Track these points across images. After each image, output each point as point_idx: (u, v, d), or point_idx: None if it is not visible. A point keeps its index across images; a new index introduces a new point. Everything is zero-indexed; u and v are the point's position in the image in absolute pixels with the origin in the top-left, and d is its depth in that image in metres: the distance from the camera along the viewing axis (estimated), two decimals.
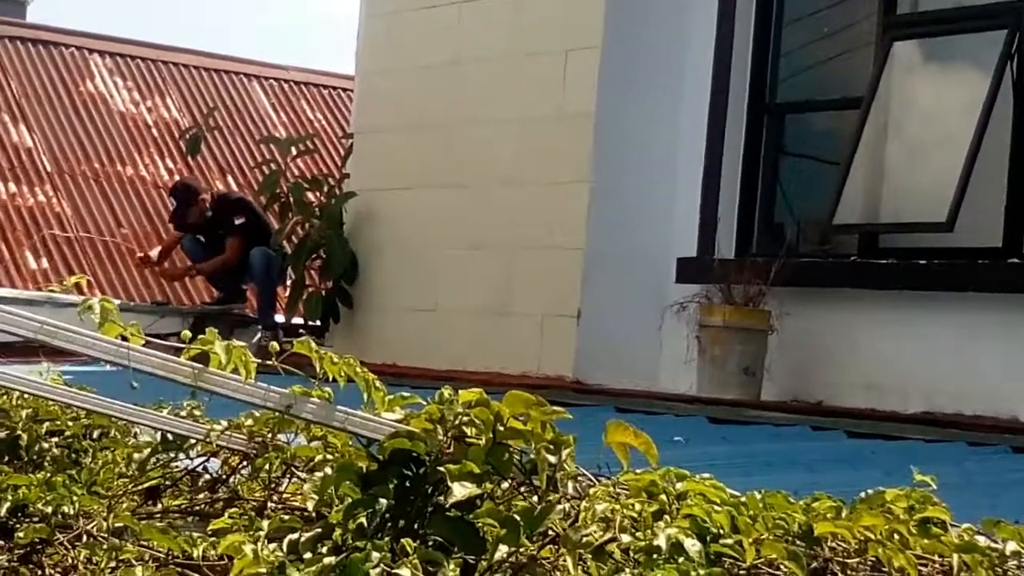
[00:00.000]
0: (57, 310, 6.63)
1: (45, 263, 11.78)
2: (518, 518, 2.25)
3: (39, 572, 2.75)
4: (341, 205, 8.65)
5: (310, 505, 2.62)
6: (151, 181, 12.98)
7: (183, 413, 3.09)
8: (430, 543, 2.26)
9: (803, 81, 7.50)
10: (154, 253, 10.80)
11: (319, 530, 2.31)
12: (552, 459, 2.38)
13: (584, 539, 2.25)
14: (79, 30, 13.85)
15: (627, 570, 2.19)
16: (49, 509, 2.81)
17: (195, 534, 2.71)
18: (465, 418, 2.41)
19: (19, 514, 2.86)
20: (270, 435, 3.00)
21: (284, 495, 2.95)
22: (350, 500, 2.31)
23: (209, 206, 10.08)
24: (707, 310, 6.70)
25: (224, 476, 3.11)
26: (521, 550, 2.27)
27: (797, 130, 7.57)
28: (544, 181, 7.52)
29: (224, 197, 10.48)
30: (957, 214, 6.17)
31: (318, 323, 8.73)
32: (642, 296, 7.21)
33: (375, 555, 2.15)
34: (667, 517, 2.29)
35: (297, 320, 9.18)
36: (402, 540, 2.20)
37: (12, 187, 12.26)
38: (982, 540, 2.43)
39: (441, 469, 2.31)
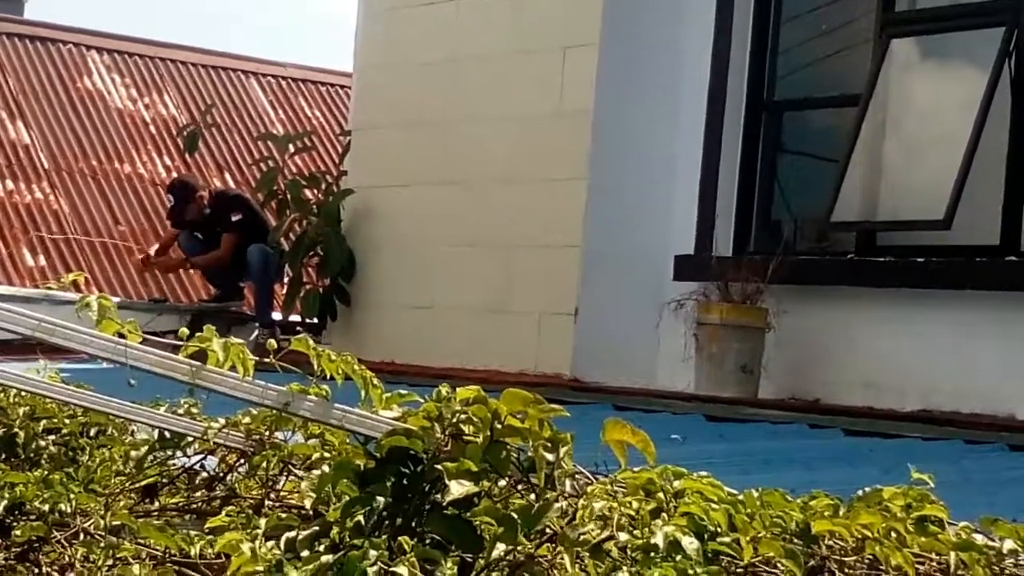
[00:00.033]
0: (54, 307, 6.63)
1: (42, 260, 11.77)
2: (516, 516, 2.25)
3: (36, 570, 2.74)
4: (339, 202, 8.65)
5: (307, 503, 2.62)
6: (149, 178, 12.97)
7: (180, 411, 3.09)
8: (428, 541, 2.26)
9: (801, 79, 7.50)
10: (152, 251, 10.81)
11: (316, 528, 2.30)
12: (550, 457, 2.38)
13: (582, 537, 2.25)
14: (76, 27, 13.83)
15: (625, 568, 2.19)
16: (46, 507, 2.81)
17: (192, 532, 2.71)
18: (463, 416, 2.40)
19: (16, 512, 2.86)
20: (267, 433, 3.01)
21: (281, 493, 2.96)
22: (347, 498, 2.31)
23: (207, 203, 10.09)
24: (705, 308, 6.70)
25: (221, 474, 3.11)
26: (519, 548, 2.27)
27: (795, 128, 7.57)
28: (542, 179, 7.52)
29: (222, 194, 10.49)
30: (955, 212, 6.17)
31: (315, 320, 8.73)
32: (640, 294, 7.21)
33: (372, 553, 2.15)
34: (665, 515, 2.29)
35: (294, 317, 9.18)
36: (400, 538, 2.20)
37: (9, 184, 12.24)
38: (979, 538, 2.43)
39: (439, 467, 2.30)
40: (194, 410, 3.08)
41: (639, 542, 2.21)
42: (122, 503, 2.97)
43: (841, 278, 6.68)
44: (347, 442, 2.77)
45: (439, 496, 2.29)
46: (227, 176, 13.23)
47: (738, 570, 2.27)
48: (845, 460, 4.83)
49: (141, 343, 2.54)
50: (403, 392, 2.62)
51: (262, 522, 2.43)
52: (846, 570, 2.35)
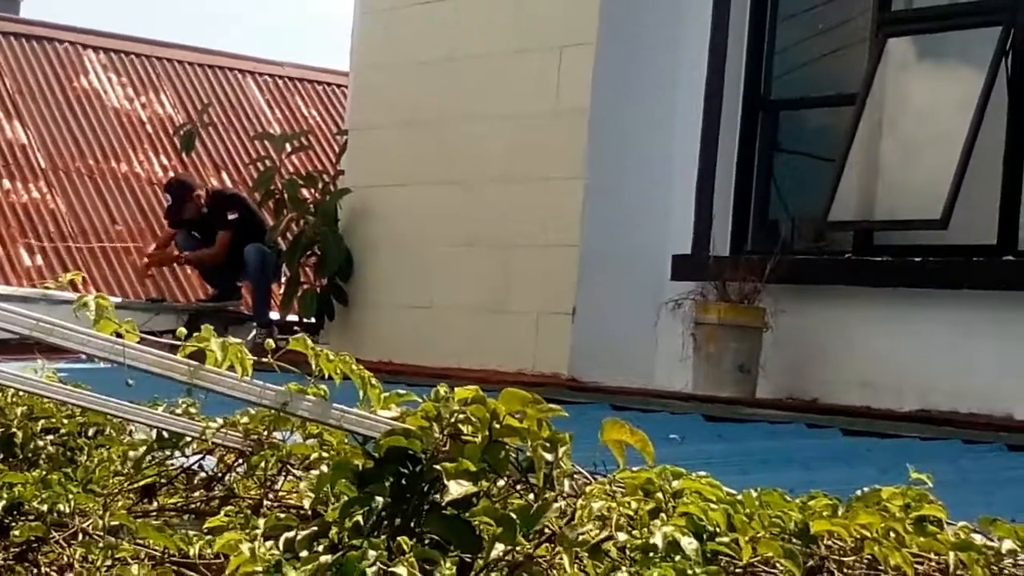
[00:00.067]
0: (52, 307, 6.62)
1: (39, 260, 11.76)
2: (514, 516, 2.25)
3: (35, 570, 2.74)
4: (336, 202, 8.65)
5: (306, 503, 2.62)
6: (146, 177, 12.96)
7: (178, 410, 3.08)
8: (426, 541, 2.25)
9: (798, 78, 7.50)
10: (150, 250, 10.81)
11: (315, 528, 2.30)
12: (548, 457, 2.38)
13: (581, 537, 2.25)
14: (73, 26, 13.83)
15: (624, 568, 2.19)
16: (45, 507, 2.81)
17: (191, 532, 2.71)
18: (461, 416, 2.40)
19: (14, 512, 2.86)
20: (266, 433, 3.00)
21: (280, 493, 2.95)
22: (346, 498, 2.30)
23: (204, 202, 10.08)
24: (702, 307, 6.70)
25: (220, 474, 3.10)
26: (517, 548, 2.27)
27: (792, 127, 7.58)
28: (539, 178, 7.52)
29: (219, 193, 10.49)
30: (952, 211, 6.18)
31: (313, 320, 8.72)
32: (637, 293, 7.21)
33: (371, 553, 2.15)
34: (663, 515, 2.29)
35: (292, 317, 9.17)
36: (398, 538, 2.20)
37: (6, 184, 12.24)
38: (978, 538, 2.43)
39: (437, 467, 2.30)
40: (192, 410, 3.08)
41: (638, 542, 2.20)
42: (120, 503, 2.97)
43: (838, 278, 6.68)
44: (345, 442, 2.77)
45: (438, 496, 2.29)
46: (224, 175, 13.23)
47: (737, 570, 2.27)
48: (843, 460, 4.83)
49: (139, 343, 2.54)
50: (401, 392, 2.62)
51: (261, 522, 2.43)
52: (845, 570, 2.35)
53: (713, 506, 2.28)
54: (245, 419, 3.03)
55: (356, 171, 8.65)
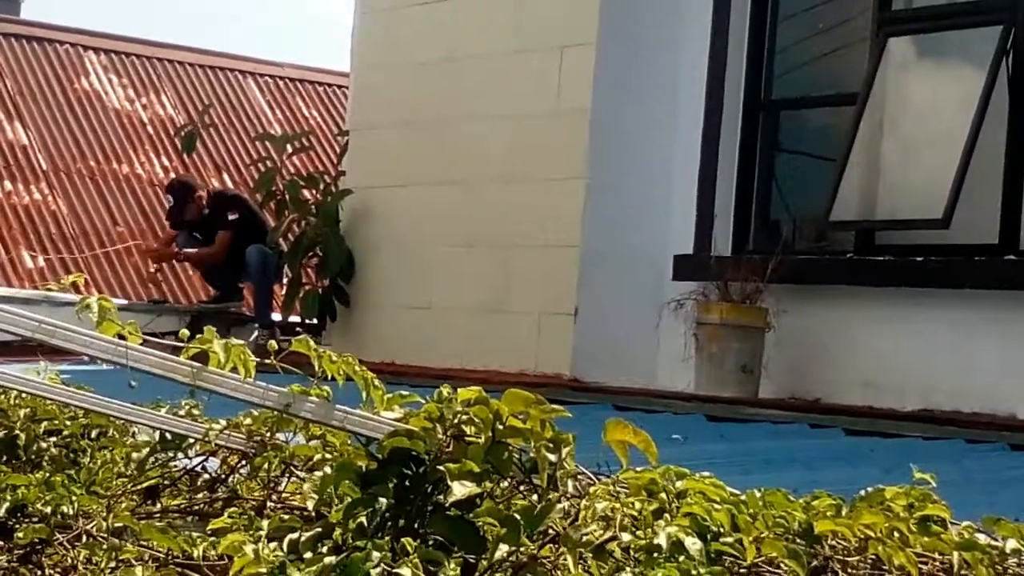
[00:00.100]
0: (54, 309, 6.63)
1: (41, 261, 11.76)
2: (518, 517, 2.25)
3: (39, 572, 2.74)
4: (337, 202, 8.64)
5: (310, 504, 2.62)
6: (147, 179, 12.97)
7: (181, 412, 3.08)
8: (430, 542, 2.25)
9: (798, 77, 7.50)
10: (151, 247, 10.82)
11: (319, 529, 2.30)
12: (552, 458, 2.38)
13: (584, 538, 2.24)
14: (73, 27, 13.84)
15: (628, 569, 2.19)
16: (48, 509, 2.81)
17: (195, 534, 2.71)
18: (464, 416, 2.40)
19: (18, 514, 2.86)
20: (269, 434, 3.00)
21: (283, 494, 2.95)
22: (350, 499, 2.30)
23: (205, 203, 10.09)
24: (704, 307, 6.70)
25: (223, 475, 3.10)
26: (521, 549, 2.27)
27: (793, 127, 7.58)
28: (540, 178, 7.52)
29: (220, 194, 10.49)
30: (953, 211, 6.18)
31: (315, 321, 8.72)
32: (639, 293, 7.21)
33: (375, 554, 2.15)
34: (667, 516, 2.29)
35: (294, 318, 9.17)
36: (402, 539, 2.20)
37: (8, 185, 12.24)
38: (982, 538, 2.43)
39: (441, 468, 2.30)
40: (195, 411, 3.08)
41: (642, 543, 2.20)
42: (124, 505, 2.97)
43: (840, 277, 6.68)
44: (349, 443, 2.77)
45: (441, 497, 2.29)
46: (225, 176, 13.23)
47: (741, 570, 2.27)
48: (846, 460, 4.83)
49: (142, 344, 2.54)
50: (404, 393, 2.62)
51: (264, 523, 2.43)
52: (849, 570, 2.35)
53: (717, 506, 2.28)
54: (248, 421, 3.03)
55: (357, 172, 8.65)
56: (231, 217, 9.92)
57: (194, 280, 11.64)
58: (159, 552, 2.70)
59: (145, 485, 3.09)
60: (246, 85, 14.32)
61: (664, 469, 2.40)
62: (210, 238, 10.09)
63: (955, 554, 2.35)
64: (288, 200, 8.95)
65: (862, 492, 2.46)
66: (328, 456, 2.87)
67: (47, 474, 3.02)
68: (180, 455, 3.12)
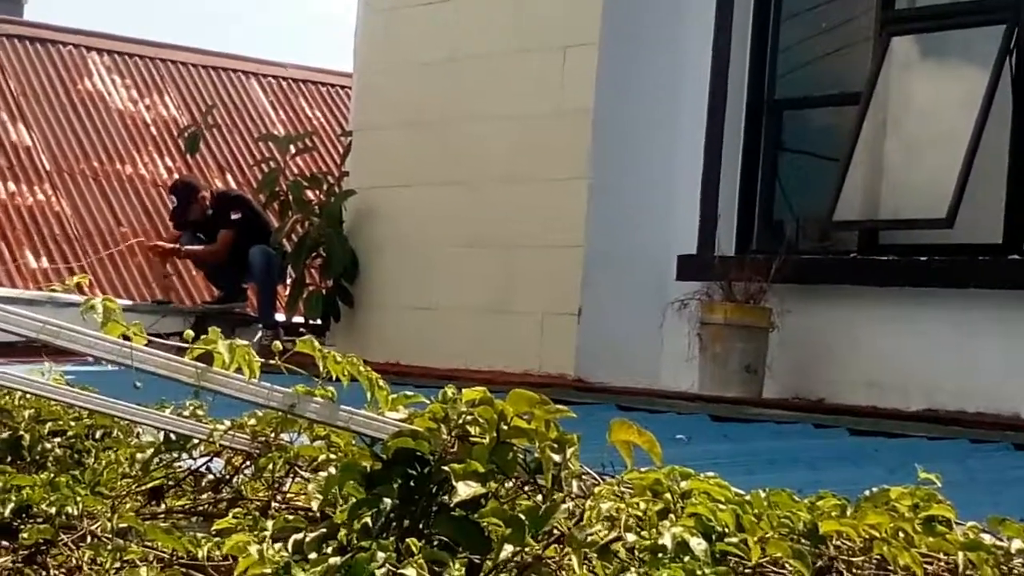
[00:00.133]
0: (59, 310, 6.63)
1: (45, 262, 11.77)
2: (523, 517, 2.25)
3: (44, 573, 2.74)
4: (340, 203, 8.65)
5: (314, 505, 2.62)
6: (150, 179, 12.98)
7: (186, 413, 3.09)
8: (435, 543, 2.26)
9: (801, 77, 7.50)
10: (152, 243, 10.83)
11: (324, 530, 2.30)
12: (557, 458, 2.38)
13: (589, 538, 2.24)
14: (77, 28, 13.85)
15: (633, 569, 2.19)
16: (53, 510, 2.81)
17: (199, 534, 2.71)
18: (469, 417, 2.40)
19: (23, 515, 2.86)
20: (273, 435, 3.00)
21: (288, 495, 2.95)
22: (355, 500, 2.31)
23: (209, 204, 10.09)
24: (708, 307, 6.70)
25: (227, 476, 3.10)
26: (526, 549, 2.27)
27: (796, 126, 7.57)
28: (543, 178, 7.52)
29: (224, 195, 10.49)
30: (957, 210, 6.17)
31: (319, 322, 8.72)
32: (643, 294, 7.21)
33: (380, 555, 2.15)
34: (672, 516, 2.29)
35: (297, 319, 9.17)
36: (407, 540, 2.20)
37: (11, 186, 12.25)
38: (987, 538, 2.42)
39: (445, 468, 2.30)
40: (199, 412, 3.08)
41: (647, 543, 2.20)
42: (128, 505, 2.97)
43: (844, 277, 6.68)
44: (353, 444, 2.77)
45: (446, 497, 2.29)
46: (228, 177, 13.24)
47: (746, 571, 2.27)
48: (850, 460, 4.83)
49: (146, 345, 2.54)
50: (409, 394, 2.62)
51: (269, 524, 2.43)
52: (854, 570, 2.34)
53: (722, 507, 2.28)
54: (253, 421, 3.03)
55: (360, 172, 8.65)
56: (234, 217, 9.92)
57: (198, 281, 11.64)
58: (164, 553, 2.70)
59: (150, 486, 3.09)
60: (249, 86, 14.32)
61: (669, 469, 2.40)
62: (213, 239, 10.08)
63: (960, 554, 2.35)
64: (291, 201, 8.95)
65: (867, 492, 2.46)
66: (333, 456, 2.87)
67: (51, 475, 3.02)
68: (184, 456, 3.13)
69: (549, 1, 7.68)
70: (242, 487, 3.04)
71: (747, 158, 7.27)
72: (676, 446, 4.61)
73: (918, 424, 5.81)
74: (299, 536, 2.30)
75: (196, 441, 3.08)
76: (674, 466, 2.41)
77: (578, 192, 7.33)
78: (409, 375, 7.07)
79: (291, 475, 3.00)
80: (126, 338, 2.52)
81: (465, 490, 2.26)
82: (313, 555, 2.24)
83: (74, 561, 2.73)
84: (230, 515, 2.67)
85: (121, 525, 2.77)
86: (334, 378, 2.63)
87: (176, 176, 12.05)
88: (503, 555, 2.23)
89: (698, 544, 2.18)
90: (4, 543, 2.83)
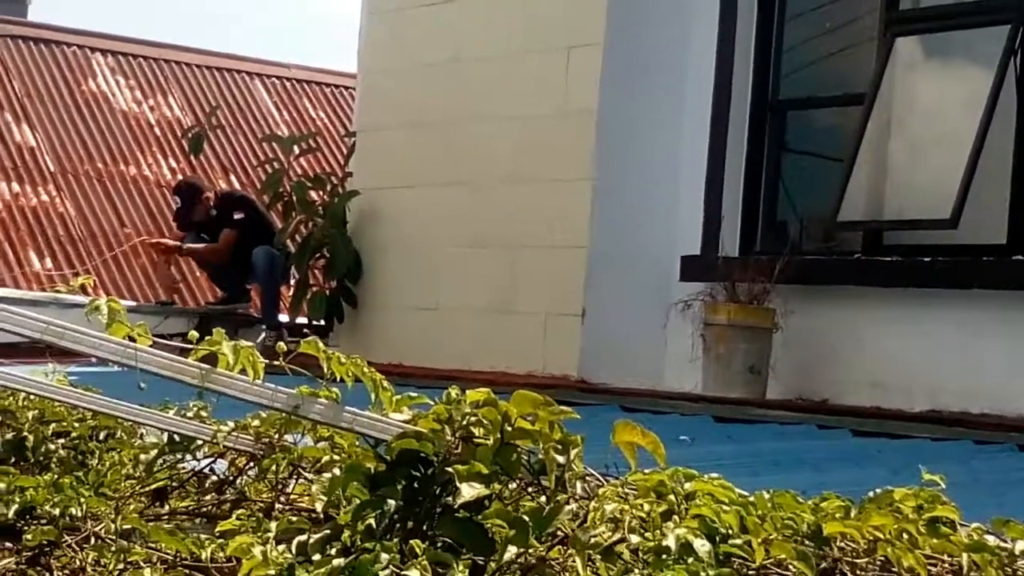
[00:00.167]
0: (63, 310, 6.63)
1: (49, 263, 11.78)
2: (527, 519, 2.25)
3: (47, 574, 2.74)
4: (344, 204, 8.65)
5: (318, 506, 2.61)
6: (154, 180, 12.98)
7: (190, 414, 3.09)
8: (439, 544, 2.25)
9: (805, 78, 7.50)
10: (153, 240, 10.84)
11: (328, 531, 2.30)
12: (560, 459, 2.37)
13: (593, 540, 2.24)
14: (81, 29, 13.86)
15: (637, 571, 2.19)
16: (57, 511, 2.81)
17: (203, 536, 2.71)
18: (473, 418, 2.40)
19: (27, 516, 2.86)
20: (277, 436, 3.00)
21: (292, 496, 2.95)
22: (358, 501, 2.30)
23: (213, 204, 10.09)
24: (712, 308, 6.70)
25: (231, 477, 3.11)
26: (530, 551, 2.27)
27: (800, 127, 7.57)
28: (547, 179, 7.52)
29: (227, 195, 10.49)
30: (961, 211, 6.17)
31: (322, 323, 8.72)
32: (646, 294, 7.20)
33: (384, 556, 2.15)
34: (676, 517, 2.28)
35: (301, 320, 9.17)
36: (411, 541, 2.20)
37: (16, 187, 12.26)
38: (991, 539, 2.42)
39: (449, 470, 2.30)
40: (203, 413, 3.08)
41: (651, 544, 2.20)
42: (132, 507, 2.97)
43: (848, 278, 6.68)
44: (357, 445, 2.77)
45: (450, 499, 2.29)
46: (232, 178, 13.24)
47: (750, 572, 2.27)
48: (854, 461, 4.82)
49: (150, 346, 2.53)
50: (413, 395, 2.62)
51: (273, 525, 2.43)
52: (858, 572, 2.34)
53: (725, 508, 2.27)
54: (256, 422, 3.03)
55: (364, 173, 8.66)
56: (237, 217, 9.92)
57: (201, 282, 11.64)
58: (167, 554, 2.71)
59: (153, 487, 3.09)
60: (253, 86, 14.33)
61: (672, 471, 2.39)
62: (217, 240, 10.09)
63: (964, 556, 2.34)
64: (295, 201, 8.95)
65: (871, 493, 2.46)
66: (337, 458, 2.87)
67: (55, 476, 3.02)
68: (188, 457, 3.13)
69: (553, 2, 7.68)
70: (246, 488, 3.04)
71: (751, 159, 7.26)
72: (680, 447, 4.61)
73: (922, 425, 5.80)
74: (303, 537, 2.30)
75: (200, 442, 3.08)
76: (678, 467, 2.41)
77: (582, 193, 7.32)
78: (412, 376, 7.07)
79: (295, 476, 3.00)
80: (131, 339, 2.52)
81: (469, 491, 2.26)
82: (317, 556, 2.24)
83: (78, 563, 2.73)
84: (234, 516, 2.67)
85: (125, 526, 2.77)
86: (338, 379, 2.63)
87: (180, 177, 12.05)
88: (507, 556, 2.23)
89: (702, 545, 2.17)
90: (8, 544, 2.83)
